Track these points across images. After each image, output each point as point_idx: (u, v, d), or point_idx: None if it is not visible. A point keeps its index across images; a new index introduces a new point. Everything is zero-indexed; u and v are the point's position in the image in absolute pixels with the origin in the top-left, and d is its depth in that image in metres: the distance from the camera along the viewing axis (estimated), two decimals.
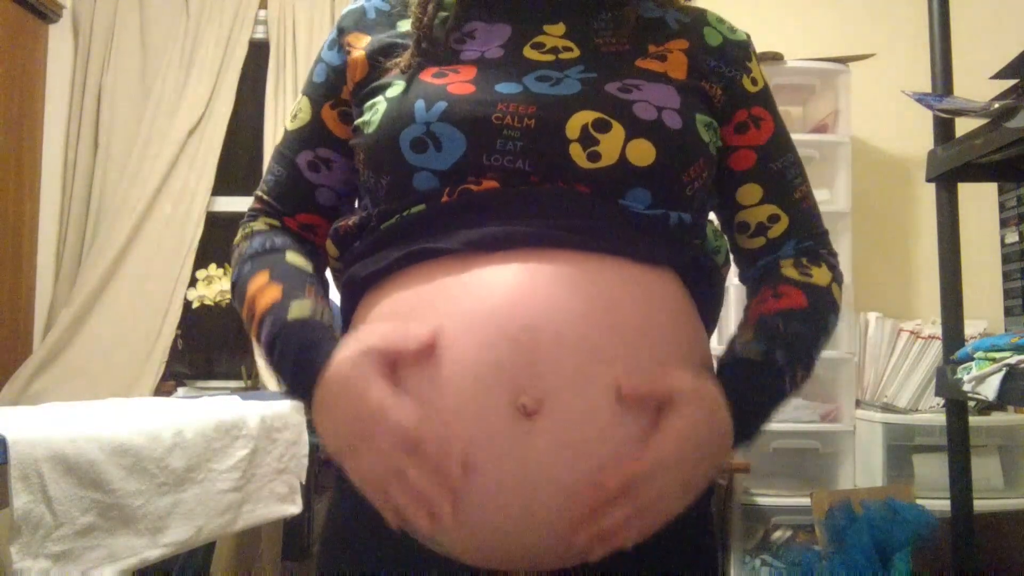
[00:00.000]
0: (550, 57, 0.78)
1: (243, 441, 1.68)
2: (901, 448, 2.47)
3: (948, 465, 1.68)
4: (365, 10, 0.85)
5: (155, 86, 2.79)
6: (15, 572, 1.20)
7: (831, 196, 2.64)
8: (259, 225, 0.87)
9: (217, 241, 2.86)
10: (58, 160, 2.79)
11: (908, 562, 2.03)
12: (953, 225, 1.69)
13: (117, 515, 1.37)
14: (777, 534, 2.51)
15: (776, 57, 2.59)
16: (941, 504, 1.92)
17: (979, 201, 2.30)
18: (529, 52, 0.78)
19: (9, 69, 2.65)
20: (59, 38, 2.85)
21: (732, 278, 0.88)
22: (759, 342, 0.75)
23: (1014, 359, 1.36)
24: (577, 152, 0.71)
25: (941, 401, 2.24)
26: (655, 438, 0.63)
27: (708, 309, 0.77)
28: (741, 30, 0.87)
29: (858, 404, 2.62)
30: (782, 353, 0.74)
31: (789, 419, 2.54)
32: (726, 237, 0.87)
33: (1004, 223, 1.80)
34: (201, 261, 2.77)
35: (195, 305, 2.74)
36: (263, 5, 2.90)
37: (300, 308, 0.75)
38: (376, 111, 0.76)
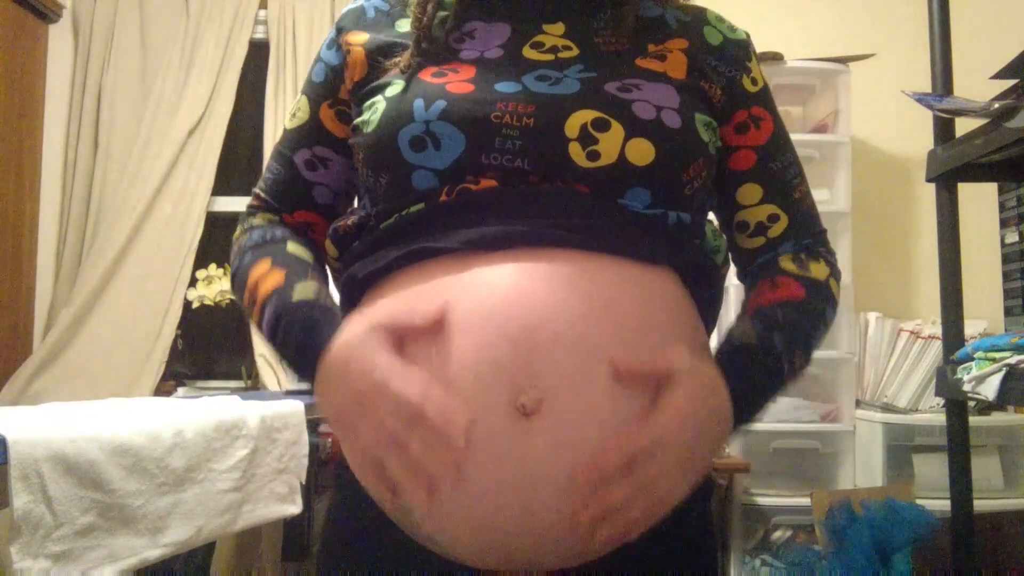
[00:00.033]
0: (549, 57, 0.78)
1: (243, 441, 1.68)
2: (901, 448, 2.47)
3: (948, 465, 1.68)
4: (364, 9, 0.85)
5: (155, 86, 2.79)
6: (15, 572, 1.20)
7: (831, 196, 2.64)
8: (258, 220, 0.87)
9: (217, 241, 2.86)
10: (58, 160, 2.79)
11: (908, 562, 2.03)
12: (953, 225, 1.69)
13: (117, 515, 1.37)
14: (777, 534, 2.51)
15: (776, 57, 2.59)
16: (941, 504, 1.92)
17: (979, 201, 2.30)
18: (528, 52, 0.78)
19: (9, 69, 2.65)
20: (59, 38, 2.85)
21: (732, 278, 0.89)
22: (756, 328, 0.76)
23: (1014, 359, 1.36)
24: (576, 151, 0.71)
25: (941, 401, 2.24)
26: (653, 415, 0.63)
27: (708, 309, 0.77)
28: (741, 29, 0.87)
29: (858, 404, 2.62)
30: (779, 337, 0.75)
31: (789, 419, 2.54)
32: (725, 237, 0.87)
33: (1004, 223, 1.80)
34: (201, 261, 2.78)
35: (195, 305, 2.74)
36: (263, 5, 2.90)
37: (304, 290, 0.75)
38: (375, 110, 0.76)
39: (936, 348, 2.54)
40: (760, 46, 0.91)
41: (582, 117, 0.72)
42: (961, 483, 1.65)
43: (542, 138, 0.71)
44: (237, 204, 2.82)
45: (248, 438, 1.69)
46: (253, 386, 2.76)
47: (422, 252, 0.70)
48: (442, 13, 0.81)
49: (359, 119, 0.78)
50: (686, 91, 0.77)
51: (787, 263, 0.82)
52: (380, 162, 0.75)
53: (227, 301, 2.73)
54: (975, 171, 1.61)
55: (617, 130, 0.71)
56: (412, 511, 0.65)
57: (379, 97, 0.77)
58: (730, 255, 0.87)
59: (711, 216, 0.85)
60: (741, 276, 0.88)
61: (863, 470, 2.55)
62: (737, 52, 0.84)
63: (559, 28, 0.80)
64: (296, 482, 1.87)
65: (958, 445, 1.66)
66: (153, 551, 1.44)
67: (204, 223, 2.77)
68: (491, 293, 0.65)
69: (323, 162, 0.86)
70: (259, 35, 2.93)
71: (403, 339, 0.65)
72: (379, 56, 0.81)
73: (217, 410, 1.71)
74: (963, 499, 1.64)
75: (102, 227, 2.73)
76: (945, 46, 1.70)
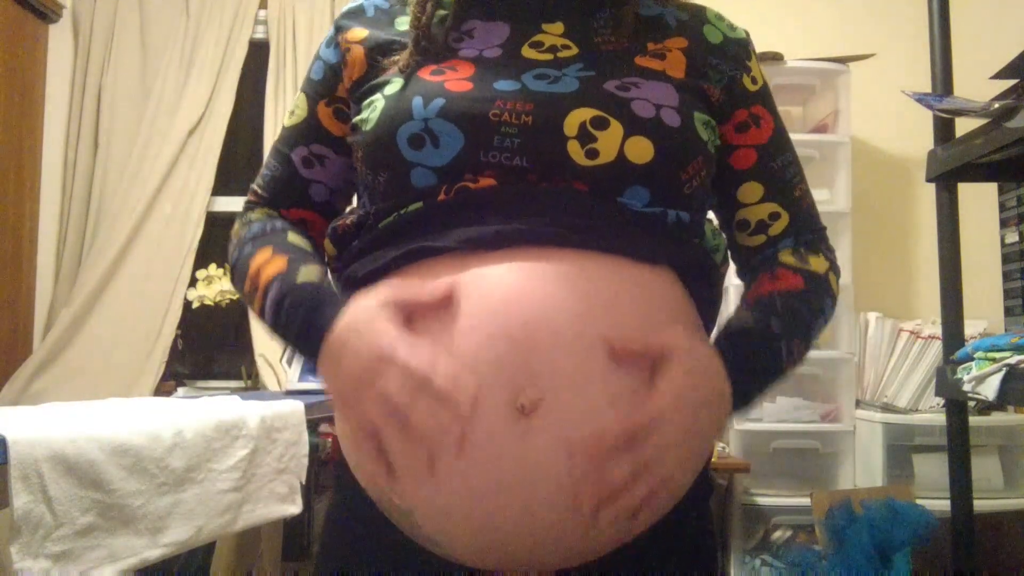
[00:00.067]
0: (548, 56, 0.78)
1: (243, 441, 1.68)
2: (901, 448, 2.47)
3: (948, 465, 1.68)
4: (364, 8, 0.86)
5: (155, 86, 2.79)
6: (15, 572, 1.20)
7: (831, 196, 2.64)
8: (256, 215, 0.88)
9: (217, 241, 2.86)
10: (58, 160, 2.79)
11: (908, 562, 2.03)
12: (953, 225, 1.69)
13: (117, 515, 1.37)
14: (777, 534, 2.51)
15: (776, 57, 2.59)
16: (941, 504, 1.92)
17: (979, 201, 2.30)
18: (527, 51, 0.78)
19: (9, 69, 2.65)
20: (59, 38, 2.85)
21: (731, 278, 0.88)
22: (754, 315, 0.76)
23: (1014, 359, 1.36)
24: (575, 149, 0.71)
25: (941, 401, 2.24)
26: (651, 394, 0.63)
27: (707, 308, 0.78)
28: (741, 27, 0.87)
29: (858, 404, 2.62)
30: (777, 322, 0.75)
31: (789, 419, 2.54)
32: (725, 236, 0.87)
33: (1004, 223, 1.80)
34: (201, 261, 2.78)
35: (195, 305, 2.74)
36: (263, 5, 2.90)
37: (308, 273, 0.75)
38: (374, 108, 0.76)
39: (936, 348, 2.54)
40: (760, 46, 0.91)
41: (581, 115, 0.71)
42: (961, 483, 1.65)
43: (541, 136, 0.71)
44: (237, 204, 2.77)
45: (248, 438, 1.69)
46: (253, 386, 2.76)
47: (421, 252, 0.70)
48: (441, 12, 0.81)
49: (358, 117, 0.79)
50: (685, 90, 0.77)
51: (787, 257, 0.83)
52: (379, 160, 0.75)
53: (227, 301, 2.73)
54: (975, 171, 1.61)
55: (616, 128, 0.71)
56: (411, 513, 0.64)
57: (378, 95, 0.77)
58: (730, 254, 0.87)
59: (710, 215, 0.85)
60: (741, 274, 0.88)
61: (863, 470, 2.55)
62: (737, 51, 0.84)
63: (558, 27, 0.80)
64: (296, 482, 1.87)
65: (958, 445, 1.66)
66: (153, 551, 1.44)
67: (204, 223, 2.77)
68: (490, 292, 0.65)
69: (320, 160, 0.86)
70: (259, 35, 2.93)
71: (411, 316, 0.65)
72: (378, 54, 0.81)
73: (217, 410, 1.71)
74: (963, 499, 1.64)
75: (102, 227, 2.73)
76: (945, 46, 1.70)
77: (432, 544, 0.66)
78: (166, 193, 2.74)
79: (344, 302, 0.69)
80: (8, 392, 2.53)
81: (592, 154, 0.71)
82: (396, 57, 0.79)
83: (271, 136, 2.77)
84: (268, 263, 0.78)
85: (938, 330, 2.13)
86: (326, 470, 2.23)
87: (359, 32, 0.83)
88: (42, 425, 1.36)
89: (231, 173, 2.92)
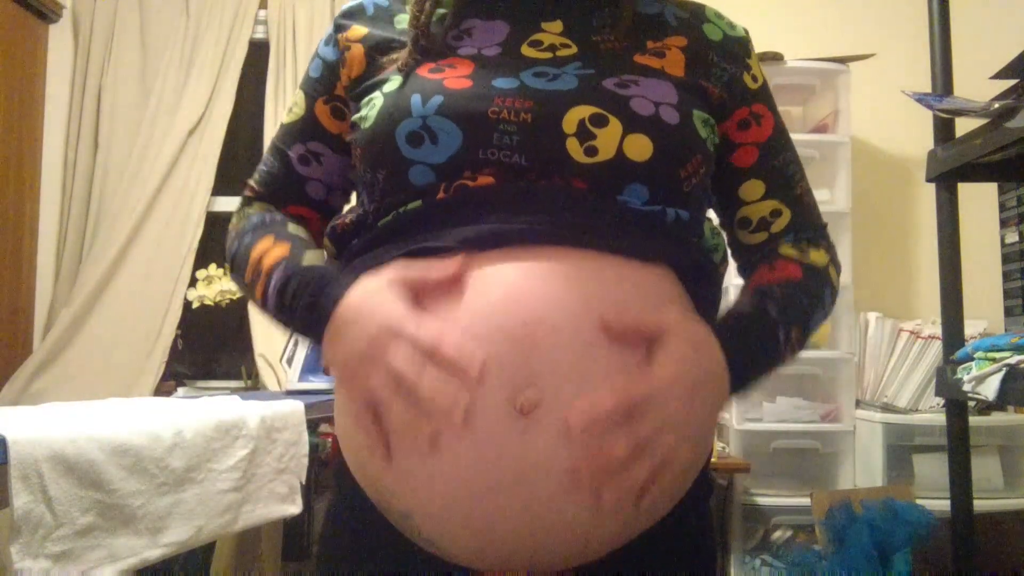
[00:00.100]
0: (548, 55, 0.78)
1: (243, 441, 1.68)
2: (901, 448, 2.47)
3: (948, 465, 1.68)
4: (364, 6, 0.86)
5: (155, 86, 2.79)
6: (15, 572, 1.20)
7: (831, 196, 2.63)
8: (254, 209, 0.88)
9: (217, 241, 2.86)
10: (58, 160, 2.79)
11: (908, 562, 2.03)
12: (953, 225, 1.69)
13: (117, 515, 1.37)
14: (777, 534, 2.51)
15: (776, 57, 2.58)
16: (941, 504, 1.92)
17: (979, 201, 2.30)
18: (527, 50, 0.78)
19: (9, 69, 2.65)
20: (59, 38, 2.85)
21: (731, 277, 0.89)
22: (751, 300, 0.77)
23: (1014, 359, 1.36)
24: (574, 147, 0.71)
25: (941, 401, 2.24)
26: (648, 368, 0.63)
27: (705, 308, 0.77)
28: (740, 25, 0.87)
29: (858, 404, 2.62)
30: (774, 307, 0.75)
31: (789, 419, 2.54)
32: (726, 234, 0.87)
33: (1004, 223, 1.80)
34: (201, 261, 2.78)
35: (195, 305, 2.74)
36: (263, 5, 2.90)
37: (313, 257, 0.76)
38: (373, 106, 0.76)
39: (936, 348, 2.54)
40: (760, 46, 0.91)
41: (580, 113, 0.71)
42: (961, 483, 1.65)
43: (540, 133, 0.71)
44: (237, 204, 2.81)
45: (248, 438, 1.69)
46: (253, 386, 2.76)
47: (420, 252, 0.70)
48: (440, 11, 0.82)
49: (357, 115, 0.79)
50: (684, 88, 0.77)
51: (787, 249, 0.83)
52: (378, 158, 0.75)
53: (227, 301, 2.73)
54: (975, 171, 1.61)
55: (615, 126, 0.71)
56: (410, 515, 0.64)
57: (377, 93, 0.77)
58: (731, 252, 0.88)
59: (710, 214, 0.86)
60: (742, 272, 0.88)
61: (863, 470, 2.55)
62: (737, 49, 0.84)
63: (557, 26, 0.81)
64: (296, 482, 1.87)
65: (958, 445, 1.66)
66: (153, 551, 1.44)
67: (204, 223, 2.77)
68: (488, 292, 0.65)
69: (316, 157, 0.87)
70: (259, 35, 2.93)
71: (419, 297, 0.65)
72: (377, 53, 0.81)
73: (217, 410, 1.71)
74: (963, 499, 1.64)
75: (102, 227, 2.73)
76: (945, 46, 1.70)
77: (431, 546, 0.66)
78: (166, 193, 2.74)
79: (350, 282, 0.69)
80: (8, 392, 2.53)
81: (591, 151, 0.71)
82: (395, 55, 0.79)
83: (271, 136, 2.77)
84: (270, 250, 0.78)
85: (938, 330, 2.13)
86: (326, 470, 2.23)
87: (359, 30, 0.83)
88: (42, 425, 1.35)
89: (231, 173, 2.92)
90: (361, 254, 0.75)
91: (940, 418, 1.83)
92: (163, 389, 2.71)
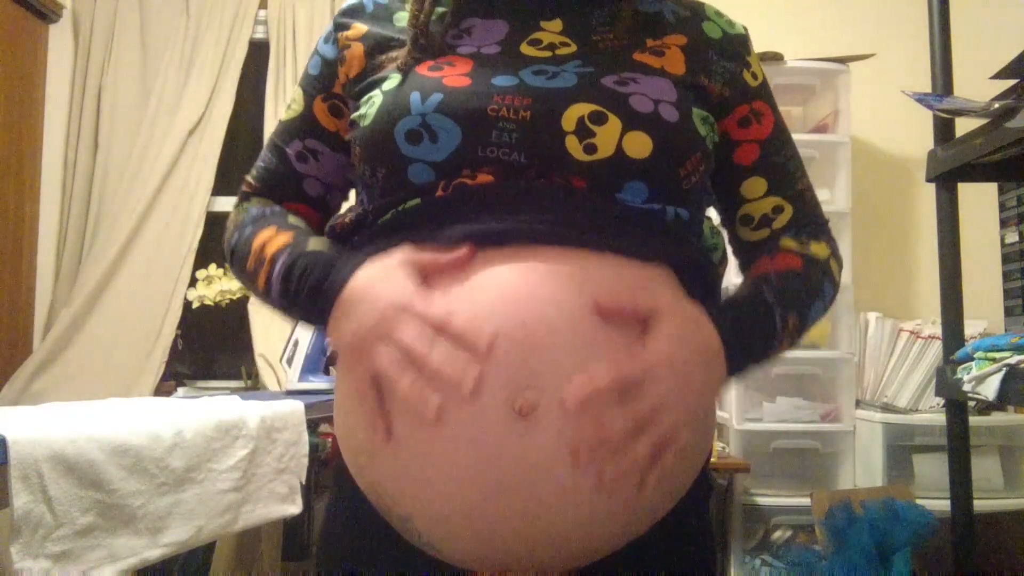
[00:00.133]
0: (547, 53, 0.78)
1: (243, 441, 1.68)
2: (901, 448, 2.47)
3: (948, 465, 1.68)
4: (364, 4, 0.86)
5: (155, 86, 2.79)
6: (15, 572, 1.20)
7: (831, 196, 2.63)
8: (253, 203, 0.88)
9: (217, 241, 2.84)
10: (58, 160, 2.79)
11: (908, 562, 2.03)
12: (953, 225, 1.69)
13: (117, 515, 1.37)
14: (777, 534, 2.51)
15: (776, 57, 2.58)
16: (941, 504, 1.92)
17: (979, 201, 2.30)
18: (526, 48, 0.78)
19: (9, 69, 2.65)
20: (59, 38, 2.85)
21: (731, 277, 0.88)
22: (749, 286, 0.77)
23: (1014, 359, 1.36)
24: (573, 144, 0.71)
25: (941, 401, 2.24)
26: (643, 347, 0.63)
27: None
28: (739, 23, 0.87)
29: (858, 404, 2.62)
30: (771, 293, 0.75)
31: (789, 419, 2.54)
32: (726, 232, 0.87)
33: (1004, 223, 1.80)
34: (201, 261, 2.78)
35: (195, 305, 2.74)
36: (263, 5, 2.90)
37: (317, 243, 0.76)
38: (372, 104, 0.76)
39: (936, 348, 2.54)
40: (760, 46, 0.91)
41: (579, 110, 0.71)
42: (961, 483, 1.65)
43: (539, 131, 0.71)
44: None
45: (248, 438, 1.69)
46: (253, 386, 2.76)
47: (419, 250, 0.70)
48: (440, 9, 0.82)
49: (356, 113, 0.79)
50: (684, 86, 0.77)
51: (787, 242, 0.83)
52: (377, 156, 0.75)
53: (227, 301, 2.73)
54: (975, 171, 1.61)
55: (614, 123, 0.71)
56: (410, 519, 0.64)
57: (376, 91, 0.77)
58: (732, 250, 0.88)
59: (709, 213, 0.86)
60: (743, 270, 0.88)
61: (863, 470, 2.55)
62: (736, 47, 0.84)
63: (557, 25, 0.81)
64: (296, 482, 1.87)
65: (958, 445, 1.66)
66: (153, 551, 1.43)
67: (204, 223, 2.77)
68: (487, 291, 0.65)
69: (314, 155, 0.87)
70: (259, 35, 2.93)
71: (426, 279, 0.66)
72: (377, 51, 0.81)
73: (217, 410, 1.71)
74: (963, 499, 1.64)
75: (102, 227, 2.73)
76: (945, 46, 1.70)
77: (432, 549, 0.66)
78: (166, 193, 2.73)
79: (357, 264, 0.69)
80: (8, 392, 2.53)
81: (590, 149, 0.71)
82: (395, 54, 0.79)
83: None
84: (273, 239, 0.78)
85: (938, 330, 2.13)
86: (326, 470, 2.23)
87: (359, 28, 0.83)
88: (42, 425, 1.35)
89: (231, 173, 2.92)
90: (360, 253, 0.75)
91: (940, 418, 1.83)
92: (163, 389, 2.71)
